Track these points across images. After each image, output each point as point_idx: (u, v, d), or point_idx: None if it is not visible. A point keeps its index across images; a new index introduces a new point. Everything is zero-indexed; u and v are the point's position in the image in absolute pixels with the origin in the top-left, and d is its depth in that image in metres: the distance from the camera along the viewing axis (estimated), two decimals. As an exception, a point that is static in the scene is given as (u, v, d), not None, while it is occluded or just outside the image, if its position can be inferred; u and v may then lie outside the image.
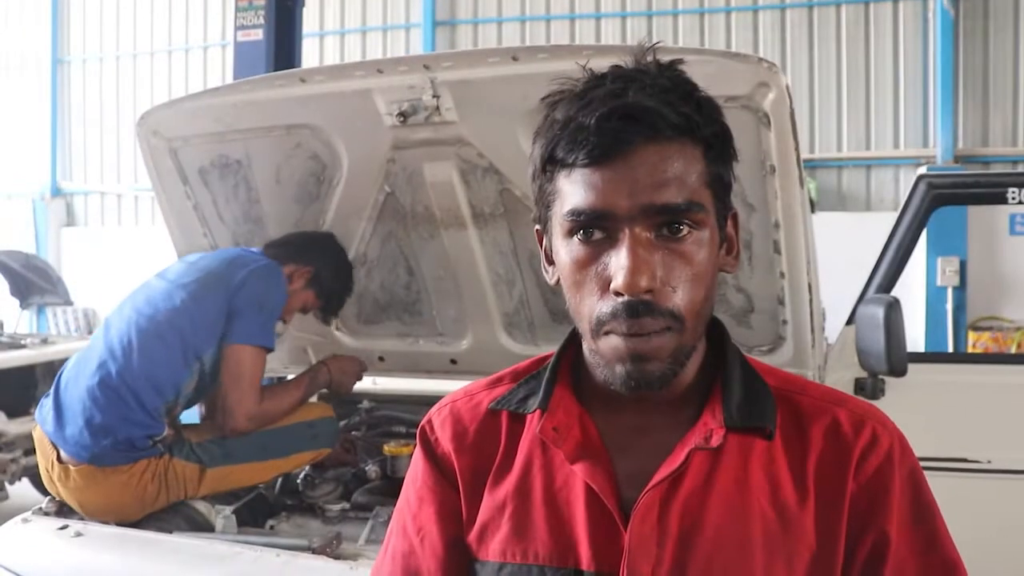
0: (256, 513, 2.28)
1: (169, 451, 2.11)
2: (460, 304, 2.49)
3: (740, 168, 1.82)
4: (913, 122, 7.71)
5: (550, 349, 0.99)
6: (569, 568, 0.86)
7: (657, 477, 0.85)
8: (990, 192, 2.77)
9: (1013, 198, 2.65)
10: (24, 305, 6.43)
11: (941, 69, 7.47)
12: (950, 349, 7.09)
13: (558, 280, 0.89)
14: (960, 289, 7.25)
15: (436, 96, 1.93)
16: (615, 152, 0.80)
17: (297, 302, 2.41)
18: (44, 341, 5.34)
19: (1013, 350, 6.97)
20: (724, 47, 7.47)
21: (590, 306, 0.83)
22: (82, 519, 2.06)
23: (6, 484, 4.59)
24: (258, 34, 4.43)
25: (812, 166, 7.72)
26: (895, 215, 2.70)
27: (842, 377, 2.47)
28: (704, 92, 0.85)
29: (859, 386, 2.45)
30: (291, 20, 4.54)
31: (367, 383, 2.87)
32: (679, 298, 0.81)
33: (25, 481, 4.60)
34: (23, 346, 5.14)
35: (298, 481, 2.36)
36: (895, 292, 2.56)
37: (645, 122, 0.79)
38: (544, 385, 0.94)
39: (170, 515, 2.10)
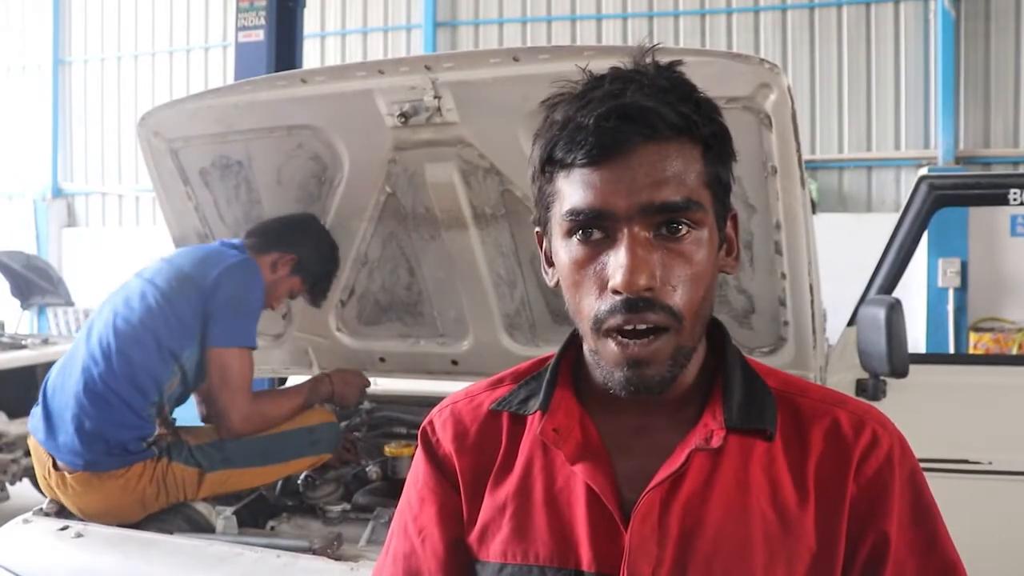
0: (257, 514, 2.27)
1: (168, 454, 2.10)
2: (461, 305, 2.48)
3: (741, 169, 1.83)
4: (914, 123, 7.71)
5: (551, 350, 0.99)
6: (570, 569, 0.86)
7: (657, 478, 0.85)
8: (991, 193, 2.77)
9: (1014, 199, 2.65)
10: (25, 306, 6.44)
11: (942, 70, 7.47)
12: (951, 350, 7.09)
13: (558, 282, 0.89)
14: (961, 290, 7.25)
15: (437, 97, 1.93)
16: (614, 152, 0.80)
17: (283, 289, 2.39)
18: (45, 342, 5.35)
19: (1014, 351, 6.97)
20: (725, 48, 7.47)
21: (589, 305, 0.83)
22: (82, 520, 2.06)
23: (7, 485, 4.59)
24: (259, 35, 4.43)
25: (813, 167, 7.72)
26: (896, 216, 2.70)
27: (843, 378, 2.47)
28: (703, 93, 0.85)
29: (860, 387, 2.45)
30: (292, 21, 4.55)
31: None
32: (678, 297, 0.81)
33: (26, 481, 4.61)
34: (24, 346, 5.15)
35: (299, 482, 2.36)
36: (896, 293, 2.56)
37: (643, 122, 0.80)
38: (544, 386, 0.94)
39: (171, 516, 2.10)
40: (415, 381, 2.81)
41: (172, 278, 2.18)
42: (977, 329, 7.24)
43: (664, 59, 0.85)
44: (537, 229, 0.93)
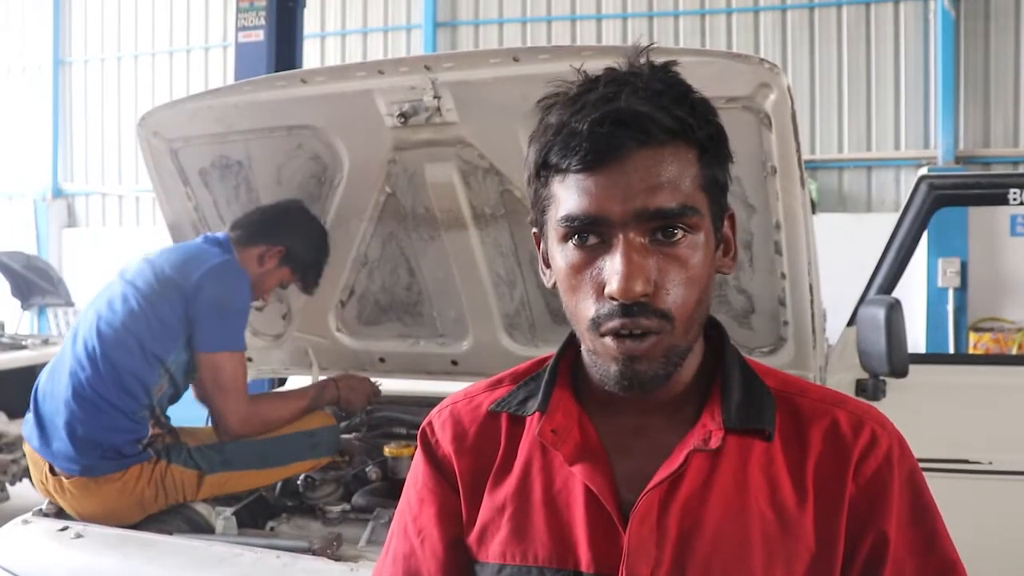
0: (256, 515, 2.27)
1: (167, 456, 2.10)
2: (461, 305, 2.48)
3: (741, 169, 1.83)
4: (914, 123, 7.70)
5: (551, 350, 0.99)
6: (568, 570, 0.86)
7: (656, 479, 0.85)
8: (991, 193, 2.77)
9: (1014, 199, 2.65)
10: (25, 306, 6.44)
11: (942, 70, 7.47)
12: (951, 350, 7.09)
13: (555, 283, 0.89)
14: (961, 290, 7.24)
15: (437, 97, 1.93)
16: (608, 157, 0.80)
17: (272, 281, 2.36)
18: (45, 342, 5.35)
19: (1014, 351, 6.96)
20: (725, 48, 7.47)
21: (586, 308, 0.83)
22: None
23: (7, 485, 4.60)
24: (259, 35, 4.43)
25: (813, 167, 7.72)
26: (896, 216, 2.70)
27: (843, 378, 2.47)
28: (699, 94, 0.85)
29: (860, 387, 2.45)
30: (292, 21, 4.55)
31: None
32: (671, 300, 0.81)
33: (26, 482, 4.61)
34: (24, 347, 5.15)
35: (298, 483, 2.36)
36: (896, 293, 2.56)
37: (637, 127, 0.79)
38: (543, 387, 0.94)
39: (170, 517, 2.10)
40: (415, 381, 2.81)
41: (153, 280, 2.14)
42: (977, 329, 7.23)
43: (659, 60, 0.85)
44: (534, 230, 0.93)
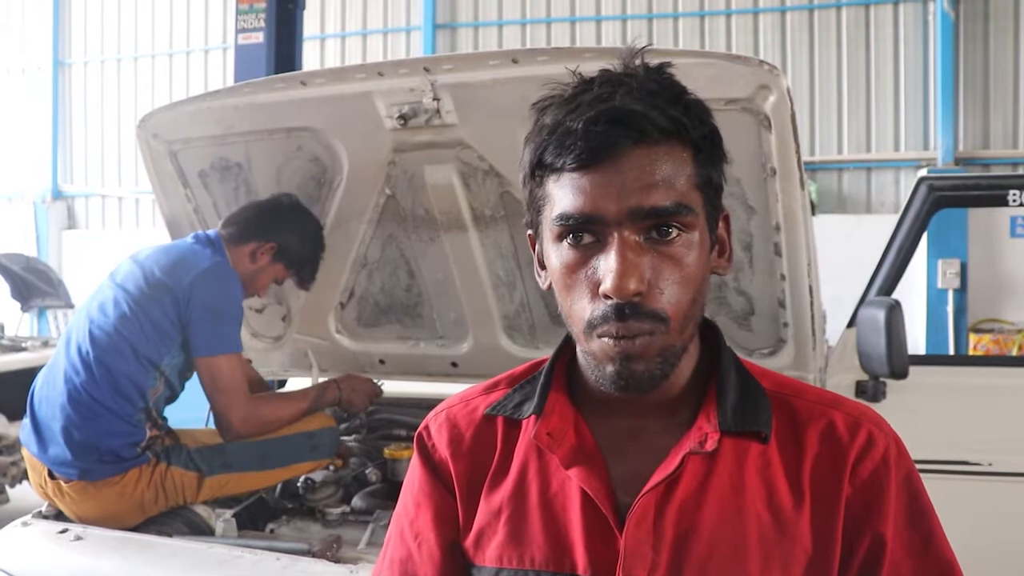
0: (256, 517, 2.27)
1: (167, 458, 2.10)
2: (461, 307, 2.48)
3: (741, 170, 1.83)
4: (914, 124, 7.71)
5: (551, 352, 0.99)
6: (565, 573, 0.86)
7: (652, 481, 0.85)
8: (991, 194, 2.77)
9: (1014, 200, 2.64)
10: (25, 308, 6.44)
11: (942, 71, 7.48)
12: (951, 352, 7.09)
13: (550, 285, 0.89)
14: (961, 291, 7.25)
15: (436, 99, 1.93)
16: (603, 156, 0.80)
17: (265, 278, 2.34)
18: (45, 344, 5.34)
19: (1014, 352, 6.96)
20: (724, 50, 7.49)
21: (581, 310, 0.83)
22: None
23: (7, 487, 4.59)
24: (259, 37, 4.44)
25: (812, 168, 7.72)
26: (896, 217, 2.70)
27: (843, 380, 2.46)
28: (693, 95, 0.85)
29: (860, 389, 2.45)
30: (292, 23, 4.56)
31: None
32: (666, 300, 0.81)
33: (26, 485, 4.60)
34: (24, 349, 5.15)
35: (298, 485, 2.36)
36: (896, 295, 2.55)
37: (632, 126, 0.79)
38: (539, 390, 0.94)
39: (170, 519, 2.10)
40: (415, 383, 2.81)
41: (144, 284, 2.13)
42: (977, 330, 7.23)
43: (654, 61, 0.85)
44: (529, 232, 0.93)
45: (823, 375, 2.19)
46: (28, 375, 4.80)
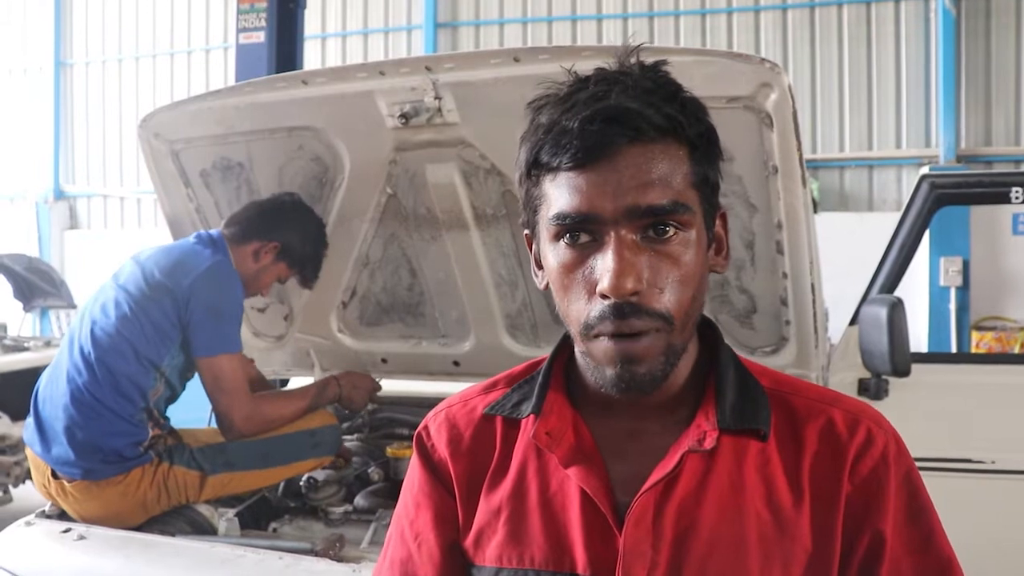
0: (259, 516, 2.28)
1: (170, 458, 2.10)
2: (462, 306, 2.48)
3: (743, 169, 1.83)
4: (915, 122, 7.70)
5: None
6: (565, 572, 0.86)
7: (651, 480, 0.84)
8: (993, 192, 2.76)
9: (1016, 198, 2.64)
10: (27, 308, 6.45)
11: (943, 68, 7.46)
12: (953, 349, 7.08)
13: (547, 284, 0.89)
14: (963, 289, 7.23)
15: (438, 98, 1.93)
16: (599, 155, 0.79)
17: (268, 278, 2.35)
18: (47, 344, 5.35)
19: (1016, 350, 6.95)
20: (726, 48, 7.47)
21: (578, 309, 0.83)
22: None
23: (10, 487, 4.60)
24: (260, 36, 4.44)
25: (814, 166, 7.71)
26: (898, 215, 2.69)
27: (845, 377, 2.46)
28: (689, 93, 0.85)
29: (863, 386, 2.45)
30: (293, 22, 4.55)
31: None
32: (666, 299, 0.81)
33: (29, 484, 4.61)
34: (26, 349, 5.16)
35: (301, 484, 2.36)
36: (898, 292, 2.55)
37: (628, 124, 0.79)
38: (537, 390, 0.94)
39: (173, 518, 2.10)
40: (417, 382, 2.81)
41: (144, 285, 2.14)
42: (979, 328, 7.22)
43: (649, 59, 0.85)
44: (526, 232, 0.93)
45: (825, 373, 2.19)
46: (31, 375, 4.81)
